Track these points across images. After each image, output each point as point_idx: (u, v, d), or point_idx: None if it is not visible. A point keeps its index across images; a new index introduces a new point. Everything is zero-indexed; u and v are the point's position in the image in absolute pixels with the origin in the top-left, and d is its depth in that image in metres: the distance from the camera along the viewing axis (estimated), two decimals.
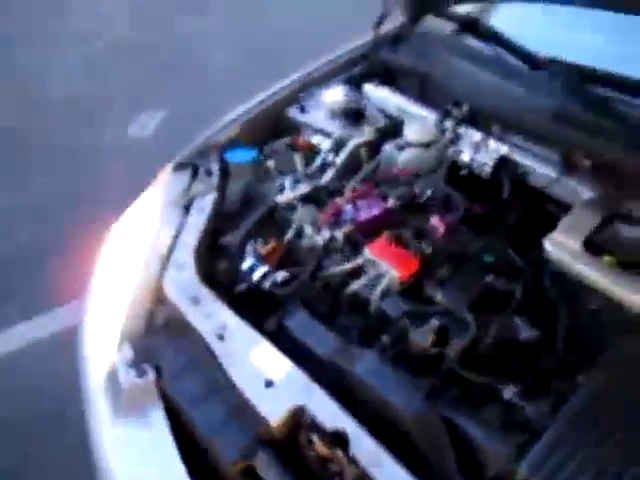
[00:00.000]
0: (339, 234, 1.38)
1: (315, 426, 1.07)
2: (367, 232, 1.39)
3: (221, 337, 1.26)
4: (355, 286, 1.30)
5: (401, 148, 1.65)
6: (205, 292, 1.37)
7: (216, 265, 1.52)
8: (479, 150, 1.58)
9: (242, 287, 1.43)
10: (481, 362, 1.18)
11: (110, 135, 3.74)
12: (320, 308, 1.34)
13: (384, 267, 1.28)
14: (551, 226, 1.40)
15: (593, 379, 1.09)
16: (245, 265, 1.43)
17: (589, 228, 1.32)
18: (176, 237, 1.53)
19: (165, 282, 1.43)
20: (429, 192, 1.51)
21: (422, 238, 1.35)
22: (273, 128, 1.81)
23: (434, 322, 1.21)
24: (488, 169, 1.56)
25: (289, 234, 1.50)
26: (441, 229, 1.36)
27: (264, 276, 1.39)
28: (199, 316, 1.32)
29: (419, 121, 1.70)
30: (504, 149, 1.56)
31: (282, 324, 1.32)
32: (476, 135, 1.61)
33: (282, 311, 1.35)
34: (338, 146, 1.70)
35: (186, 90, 4.02)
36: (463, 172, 1.61)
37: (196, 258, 1.47)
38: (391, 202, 1.46)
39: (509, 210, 1.51)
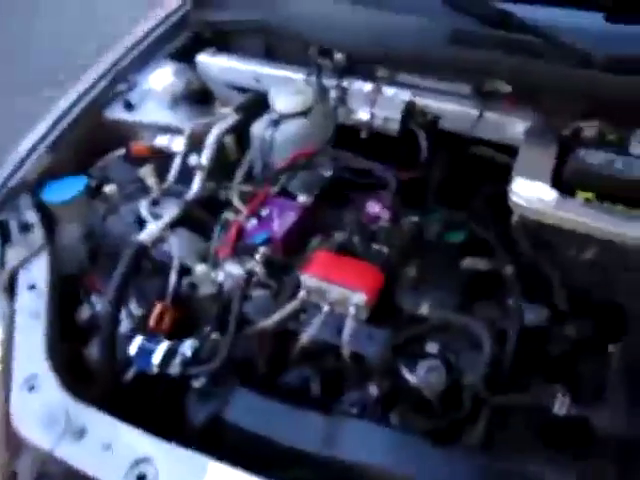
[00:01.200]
0: (256, 265, 0.97)
1: None
2: (291, 249, 1.00)
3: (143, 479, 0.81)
4: (309, 333, 0.91)
5: (276, 124, 1.25)
6: (88, 412, 0.89)
7: (87, 358, 1.04)
8: (376, 103, 1.25)
9: (129, 377, 0.98)
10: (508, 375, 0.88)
11: None
12: (266, 379, 0.94)
13: (339, 292, 0.91)
14: (493, 175, 1.15)
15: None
16: (133, 348, 0.96)
17: (549, 166, 1.06)
18: (9, 337, 1.01)
19: (14, 413, 0.92)
20: (329, 173, 1.15)
21: (367, 235, 0.99)
22: (96, 140, 1.31)
23: (432, 346, 0.88)
24: (396, 124, 1.23)
25: (171, 282, 1.06)
26: (385, 215, 1.01)
27: (167, 356, 0.94)
28: (92, 456, 0.84)
29: (286, 85, 1.31)
30: (406, 94, 1.25)
31: (221, 421, 0.89)
32: (366, 86, 1.28)
33: (213, 401, 0.92)
34: (195, 142, 1.26)
35: None
36: (363, 134, 1.27)
37: (52, 360, 0.97)
38: (302, 198, 1.08)
39: (437, 168, 1.21)
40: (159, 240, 1.12)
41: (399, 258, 0.97)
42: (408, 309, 0.92)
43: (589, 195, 1.04)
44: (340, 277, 0.90)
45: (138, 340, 0.96)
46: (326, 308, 0.90)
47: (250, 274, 0.95)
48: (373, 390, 0.88)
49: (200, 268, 1.05)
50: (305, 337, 0.90)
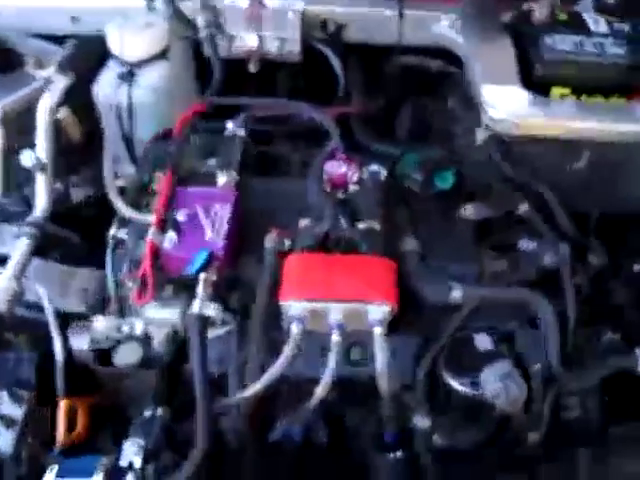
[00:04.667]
0: (203, 302, 0.63)
1: None
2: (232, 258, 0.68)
3: None
4: (326, 377, 0.61)
5: (129, 78, 0.86)
6: None
7: None
8: (263, 22, 0.91)
9: None
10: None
11: None
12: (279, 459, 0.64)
13: (348, 310, 0.61)
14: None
15: None
16: None
17: (511, 62, 0.84)
18: None
19: None
20: (241, 131, 0.82)
21: (347, 213, 0.69)
22: None
23: (484, 339, 0.65)
24: (296, 45, 0.91)
25: (58, 354, 0.68)
26: (354, 174, 0.72)
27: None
28: None
29: (125, 19, 0.90)
30: (299, 3, 0.92)
31: None
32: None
33: None
34: (13, 129, 0.83)
35: None
36: (252, 68, 0.94)
37: None
38: (223, 178, 0.73)
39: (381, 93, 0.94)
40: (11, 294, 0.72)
41: (392, 230, 0.70)
42: (434, 298, 0.66)
43: (565, 91, 0.85)
44: (345, 289, 0.60)
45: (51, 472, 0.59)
46: (335, 339, 0.60)
47: (204, 320, 0.61)
48: (422, 422, 0.63)
49: (101, 324, 0.69)
50: (323, 383, 0.60)
